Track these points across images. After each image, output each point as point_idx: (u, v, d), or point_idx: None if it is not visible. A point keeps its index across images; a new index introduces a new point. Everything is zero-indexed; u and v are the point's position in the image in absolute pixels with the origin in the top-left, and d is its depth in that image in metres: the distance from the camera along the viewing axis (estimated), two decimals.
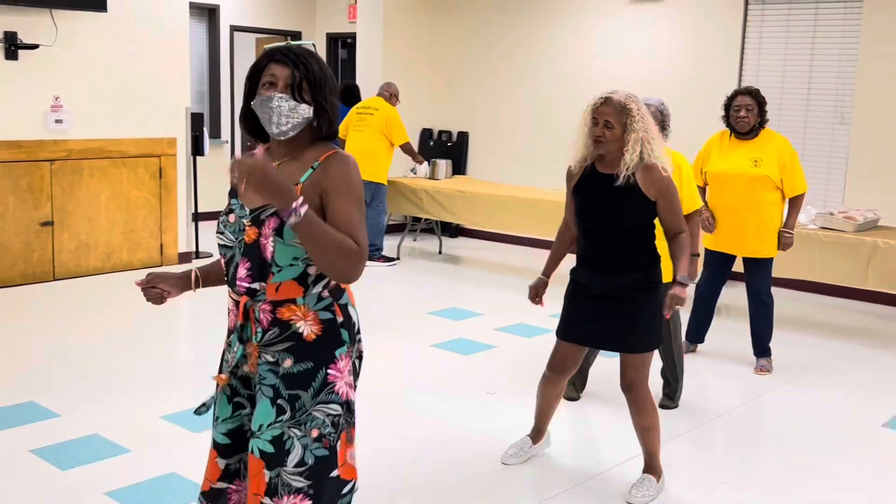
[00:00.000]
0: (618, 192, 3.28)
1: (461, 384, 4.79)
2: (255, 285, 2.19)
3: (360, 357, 2.33)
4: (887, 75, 6.91)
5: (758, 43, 7.59)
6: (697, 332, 5.38)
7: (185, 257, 7.76)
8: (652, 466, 3.54)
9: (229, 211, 2.23)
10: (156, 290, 2.36)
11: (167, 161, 7.55)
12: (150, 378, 4.74)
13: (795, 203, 5.02)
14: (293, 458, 2.19)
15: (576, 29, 8.71)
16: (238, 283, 2.22)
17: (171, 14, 7.48)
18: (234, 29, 10.35)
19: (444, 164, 8.60)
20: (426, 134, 9.87)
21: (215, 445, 2.35)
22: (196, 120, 7.84)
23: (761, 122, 4.95)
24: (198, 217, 8.19)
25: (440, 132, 9.82)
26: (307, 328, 2.19)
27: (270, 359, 2.20)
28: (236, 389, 2.33)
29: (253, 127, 2.28)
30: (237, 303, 2.24)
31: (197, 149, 7.84)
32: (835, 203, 7.09)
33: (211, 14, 10.16)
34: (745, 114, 4.90)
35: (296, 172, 2.18)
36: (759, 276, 5.08)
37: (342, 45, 11.02)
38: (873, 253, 5.54)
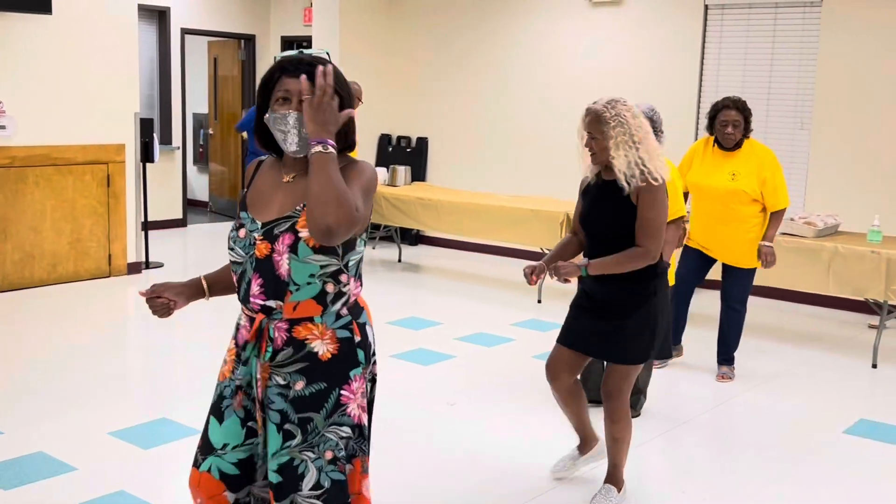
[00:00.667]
0: (611, 198, 3.32)
1: (421, 395, 4.79)
2: (271, 303, 2.15)
3: (373, 380, 2.29)
4: (846, 80, 7.07)
5: (717, 47, 7.71)
6: (676, 330, 5.34)
7: (134, 268, 7.67)
8: (615, 477, 3.58)
9: (240, 226, 2.19)
10: (161, 301, 2.31)
11: (115, 168, 7.47)
12: (96, 393, 4.68)
13: (776, 217, 5.03)
14: (308, 482, 2.14)
15: (537, 33, 8.78)
16: (252, 299, 2.18)
17: (118, 16, 7.41)
18: (185, 32, 10.27)
19: (403, 171, 8.60)
20: (385, 140, 9.87)
21: (222, 476, 2.24)
22: (145, 125, 7.77)
23: (746, 134, 4.98)
24: (147, 226, 8.10)
25: (399, 138, 9.82)
26: (323, 347, 2.16)
27: (281, 381, 2.16)
28: (250, 413, 2.25)
29: (267, 140, 2.24)
30: (252, 319, 2.20)
31: (146, 155, 7.77)
32: (796, 208, 7.22)
33: (161, 16, 10.08)
34: (732, 130, 4.92)
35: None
36: (734, 284, 5.14)
37: (297, 48, 10.98)
38: (833, 258, 5.65)
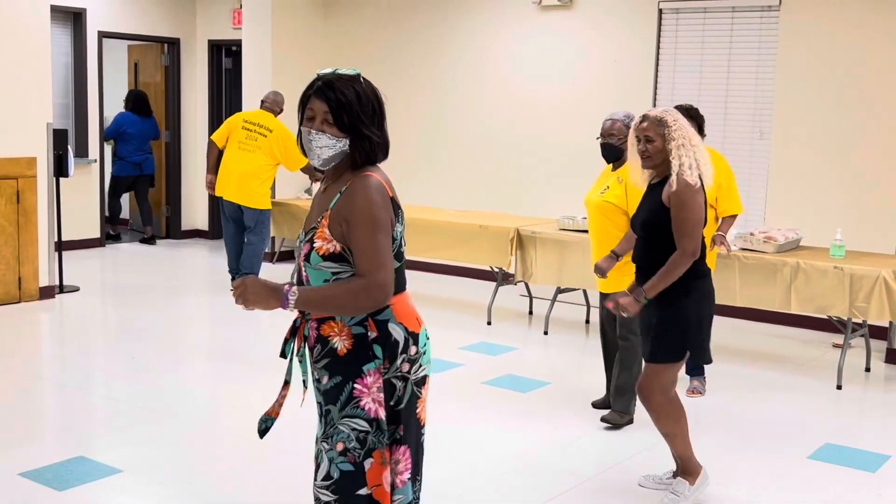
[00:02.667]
0: (653, 199, 3.76)
1: None
2: None
3: (404, 379, 2.49)
4: (807, 87, 7.27)
5: (673, 53, 7.87)
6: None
7: (47, 292, 7.53)
8: (684, 469, 3.89)
9: (301, 235, 2.61)
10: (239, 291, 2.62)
11: (26, 183, 7.33)
12: (6, 430, 4.58)
13: (726, 221, 5.36)
14: (321, 472, 2.49)
15: (482, 38, 8.86)
16: None
17: (29, 18, 7.30)
18: (102, 35, 10.15)
19: None
20: None
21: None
22: (59, 137, 7.65)
23: None
24: (62, 246, 7.96)
25: None
26: (341, 343, 2.46)
27: (317, 376, 2.52)
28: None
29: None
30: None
31: (60, 169, 7.65)
32: (756, 222, 7.38)
33: (76, 19, 9.95)
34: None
35: (330, 199, 2.49)
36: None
37: (226, 53, 10.93)
38: (795, 275, 5.79)
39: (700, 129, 5.11)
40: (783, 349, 6.71)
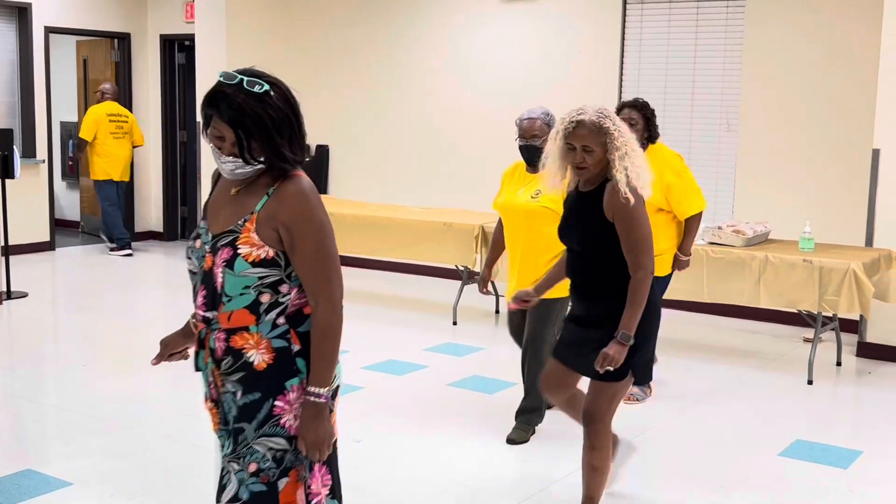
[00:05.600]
0: (587, 211, 3.45)
1: None
2: (210, 314, 2.38)
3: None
4: (773, 78, 7.34)
5: (638, 44, 7.92)
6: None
7: None
8: None
9: (197, 236, 2.44)
10: (178, 356, 2.64)
11: None
12: None
13: (691, 224, 5.13)
14: (228, 493, 2.40)
15: (445, 30, 8.86)
16: (196, 311, 2.43)
17: None
18: (49, 30, 10.03)
19: None
20: None
21: None
22: (4, 137, 7.57)
23: (649, 137, 5.04)
24: (8, 251, 7.86)
25: None
26: (258, 357, 2.35)
27: (231, 388, 2.40)
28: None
29: None
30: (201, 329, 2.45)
31: (6, 171, 7.55)
32: (724, 215, 7.45)
33: (21, 13, 9.82)
34: (630, 130, 4.98)
35: (251, 201, 2.36)
36: None
37: (179, 48, 10.84)
38: (764, 269, 5.85)
39: (650, 124, 5.03)
40: (753, 344, 6.78)
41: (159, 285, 9.01)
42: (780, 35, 7.29)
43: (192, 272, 2.44)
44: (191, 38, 10.14)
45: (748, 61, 7.43)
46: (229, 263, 2.32)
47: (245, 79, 2.33)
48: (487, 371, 5.90)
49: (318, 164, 9.64)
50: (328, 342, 2.37)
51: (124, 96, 10.74)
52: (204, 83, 9.38)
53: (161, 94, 10.82)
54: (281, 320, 2.37)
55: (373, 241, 7.61)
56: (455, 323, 7.13)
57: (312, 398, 2.34)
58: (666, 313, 7.27)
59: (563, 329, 3.75)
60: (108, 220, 9.98)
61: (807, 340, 6.71)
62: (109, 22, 10.56)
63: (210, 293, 2.37)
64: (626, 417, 5.09)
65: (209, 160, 9.43)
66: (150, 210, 11.09)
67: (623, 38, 7.98)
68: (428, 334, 6.80)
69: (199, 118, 2.53)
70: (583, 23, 8.13)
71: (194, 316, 2.46)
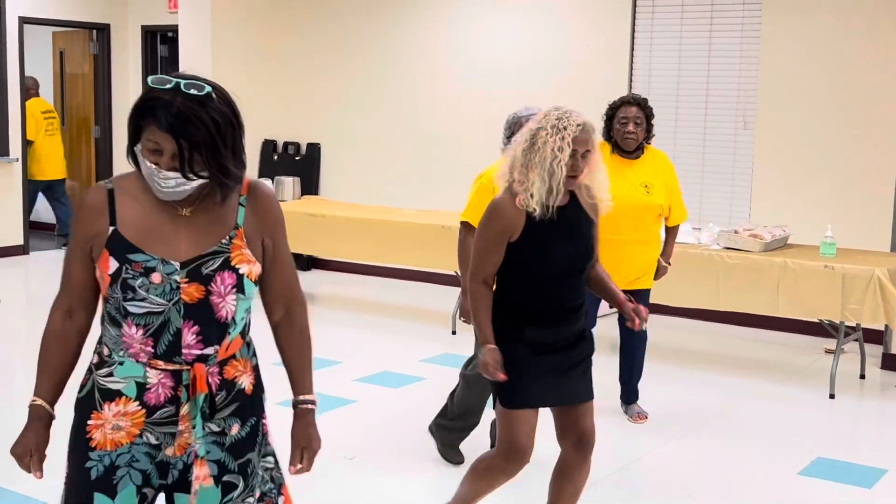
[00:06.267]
0: (578, 223, 3.33)
1: None
2: (210, 350, 2.25)
3: None
4: (793, 73, 7.31)
5: (649, 36, 7.88)
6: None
7: None
8: None
9: (147, 270, 2.19)
10: (36, 459, 2.32)
11: None
12: None
13: (674, 231, 5.23)
14: None
15: (442, 26, 8.82)
16: (185, 350, 2.22)
17: None
18: (23, 21, 10.00)
19: (290, 183, 8.54)
20: (269, 146, 9.77)
21: None
22: None
23: (647, 137, 5.03)
24: None
25: (286, 144, 9.75)
26: (247, 381, 2.35)
27: (216, 428, 2.28)
28: (148, 477, 2.28)
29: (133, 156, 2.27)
30: (175, 374, 2.23)
31: None
32: (740, 219, 7.41)
33: None
34: (633, 128, 4.90)
35: (226, 215, 2.26)
36: (644, 306, 5.17)
37: (162, 40, 10.81)
38: (783, 275, 5.81)
39: (649, 125, 4.98)
40: (771, 355, 6.74)
41: None
42: (800, 28, 7.26)
43: (150, 314, 2.20)
44: (174, 29, 10.09)
45: (766, 56, 7.39)
46: (239, 288, 2.24)
47: (182, 81, 2.14)
48: None
49: (309, 164, 9.60)
50: (310, 346, 2.43)
51: (103, 92, 10.73)
52: None
53: (142, 88, 10.74)
54: (249, 337, 2.40)
55: (366, 244, 7.57)
56: (454, 332, 7.08)
57: (310, 405, 2.41)
58: (678, 322, 7.28)
59: (530, 372, 3.29)
60: (67, 218, 10.29)
61: (828, 352, 6.67)
62: (88, 12, 10.53)
63: (209, 327, 2.23)
64: (637, 436, 5.05)
65: None
66: None
67: (633, 29, 7.93)
68: (424, 344, 6.76)
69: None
70: (590, 20, 8.09)
71: (167, 360, 2.22)
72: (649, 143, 5.08)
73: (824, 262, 5.75)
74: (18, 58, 9.94)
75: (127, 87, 10.86)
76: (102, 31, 10.69)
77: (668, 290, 5.78)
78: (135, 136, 2.19)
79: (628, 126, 4.90)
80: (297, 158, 9.66)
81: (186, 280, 2.20)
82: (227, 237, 2.25)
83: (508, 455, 3.33)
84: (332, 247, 7.76)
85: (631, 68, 7.98)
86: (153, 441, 2.26)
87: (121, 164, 10.87)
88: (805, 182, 7.30)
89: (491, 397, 3.59)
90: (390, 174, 9.20)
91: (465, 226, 4.44)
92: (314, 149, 9.65)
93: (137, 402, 2.24)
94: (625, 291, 4.94)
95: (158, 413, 2.24)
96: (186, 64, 9.34)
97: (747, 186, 7.56)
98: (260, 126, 9.67)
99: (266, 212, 2.32)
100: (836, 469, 4.63)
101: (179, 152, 2.12)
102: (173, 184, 2.16)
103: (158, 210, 2.24)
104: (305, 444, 2.39)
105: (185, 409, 2.24)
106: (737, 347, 6.95)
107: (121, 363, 2.25)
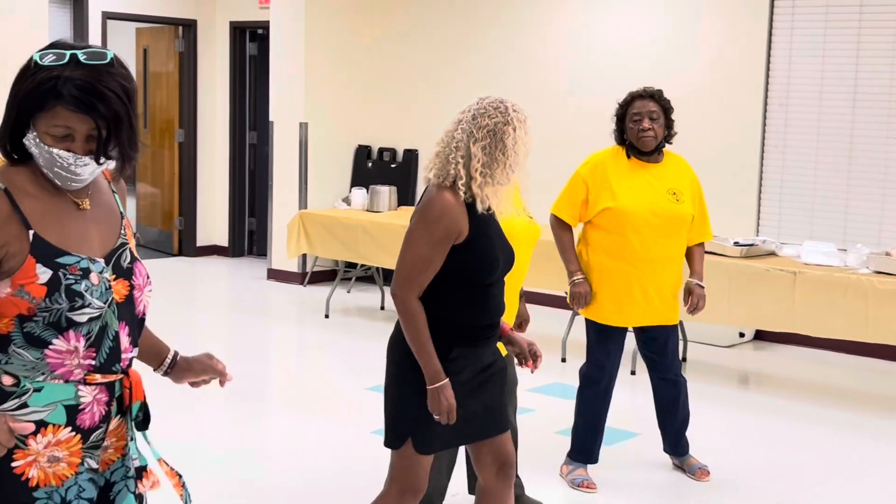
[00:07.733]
0: (499, 227, 3.50)
1: None
2: (135, 351, 2.26)
3: None
4: None
5: (788, 42, 7.77)
6: (592, 444, 4.92)
7: None
8: None
9: (84, 272, 2.12)
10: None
11: None
12: None
13: (701, 249, 4.84)
14: None
15: (550, 24, 8.80)
16: (123, 356, 2.20)
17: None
18: (107, 16, 10.31)
19: (386, 192, 8.60)
20: (362, 153, 9.90)
21: None
22: None
23: (668, 136, 4.69)
24: None
25: (381, 150, 9.86)
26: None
27: (132, 435, 2.30)
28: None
29: (14, 147, 2.16)
30: (110, 385, 2.19)
31: None
32: (892, 239, 7.24)
33: None
34: (650, 125, 4.56)
35: (111, 203, 2.27)
36: (672, 347, 4.81)
37: (251, 37, 11.03)
38: None
39: (669, 120, 4.67)
40: None
41: (221, 305, 9.12)
42: None
43: (92, 319, 2.12)
44: (265, 25, 10.32)
45: None
46: (149, 279, 2.28)
47: (78, 52, 2.06)
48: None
49: (406, 172, 9.68)
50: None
51: (188, 92, 10.95)
52: (278, 76, 9.54)
53: (230, 88, 10.99)
54: None
55: None
56: (564, 360, 7.06)
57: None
58: (819, 355, 7.14)
59: (463, 405, 3.22)
60: None
61: None
62: (174, 7, 10.80)
63: (134, 325, 2.22)
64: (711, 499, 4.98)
65: (284, 167, 9.61)
66: (213, 222, 11.28)
67: (771, 21, 7.82)
68: (533, 373, 6.75)
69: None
70: (721, 17, 8.00)
71: (106, 370, 2.17)
72: (671, 143, 4.74)
73: None
74: None
75: (214, 87, 11.06)
76: (189, 27, 10.93)
77: (810, 318, 5.71)
78: (26, 120, 2.08)
79: (643, 122, 4.57)
80: (392, 166, 9.76)
81: (114, 277, 2.17)
82: (121, 228, 2.25)
83: (403, 499, 3.31)
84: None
85: (767, 72, 7.88)
86: (94, 465, 2.20)
87: (205, 169, 11.11)
88: None
89: (385, 433, 3.35)
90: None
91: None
92: (411, 155, 9.74)
93: (69, 428, 2.14)
94: (654, 329, 4.75)
95: (95, 435, 2.18)
96: (278, 63, 9.53)
97: None
98: (353, 131, 9.79)
99: (124, 198, 2.33)
100: None
101: (98, 133, 2.05)
102: (91, 170, 2.10)
103: (61, 206, 2.15)
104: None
105: (115, 423, 2.21)
106: (886, 384, 6.80)
107: (37, 390, 2.11)
